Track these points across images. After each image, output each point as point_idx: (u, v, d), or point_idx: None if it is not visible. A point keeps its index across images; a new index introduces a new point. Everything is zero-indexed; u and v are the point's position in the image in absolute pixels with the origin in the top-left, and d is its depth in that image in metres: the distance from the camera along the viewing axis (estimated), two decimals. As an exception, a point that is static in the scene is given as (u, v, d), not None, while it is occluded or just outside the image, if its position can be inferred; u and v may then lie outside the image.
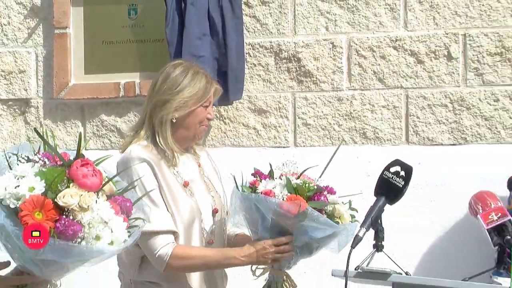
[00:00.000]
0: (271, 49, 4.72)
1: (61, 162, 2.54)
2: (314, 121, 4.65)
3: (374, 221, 3.18)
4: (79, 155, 2.53)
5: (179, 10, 4.57)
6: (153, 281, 3.56)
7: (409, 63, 4.52)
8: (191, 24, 4.55)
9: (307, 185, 3.38)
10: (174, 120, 3.57)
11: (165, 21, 4.58)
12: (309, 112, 4.67)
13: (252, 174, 3.52)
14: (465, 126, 4.47)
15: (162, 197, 3.51)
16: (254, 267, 3.54)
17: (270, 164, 3.46)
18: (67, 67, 4.85)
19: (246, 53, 4.66)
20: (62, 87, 4.84)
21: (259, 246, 3.42)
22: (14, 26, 4.97)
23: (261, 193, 3.42)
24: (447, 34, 4.47)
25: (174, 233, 3.51)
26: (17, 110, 4.98)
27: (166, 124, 3.58)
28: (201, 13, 4.56)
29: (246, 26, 4.69)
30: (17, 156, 2.62)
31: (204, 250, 3.53)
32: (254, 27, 4.73)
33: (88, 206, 2.35)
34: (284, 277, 3.54)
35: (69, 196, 2.39)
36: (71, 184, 2.46)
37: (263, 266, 3.53)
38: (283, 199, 3.31)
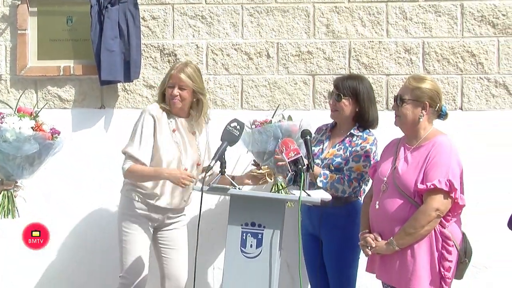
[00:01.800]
0: (158, 48, 5.39)
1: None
2: (185, 94, 5.26)
3: (220, 156, 4.10)
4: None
5: (100, 21, 5.22)
6: (143, 184, 4.53)
7: (244, 59, 5.34)
8: (107, 30, 5.21)
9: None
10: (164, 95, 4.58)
11: (90, 27, 5.23)
12: (181, 88, 5.29)
13: (253, 122, 4.61)
14: (277, 99, 5.34)
15: (154, 141, 4.45)
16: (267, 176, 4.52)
17: (283, 115, 4.69)
18: (26, 55, 5.41)
19: (142, 50, 5.32)
20: (22, 67, 5.43)
21: (178, 170, 4.42)
22: (-9, 28, 5.46)
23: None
24: (267, 42, 5.33)
25: (137, 160, 4.44)
26: (-8, 82, 5.46)
27: (161, 97, 4.63)
28: (113, 23, 5.22)
29: (143, 33, 5.34)
30: None
31: (143, 168, 4.46)
32: (148, 33, 5.40)
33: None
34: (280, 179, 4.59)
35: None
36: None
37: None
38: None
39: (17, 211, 4.05)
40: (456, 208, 4.07)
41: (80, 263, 5.40)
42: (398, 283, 4.06)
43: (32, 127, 3.96)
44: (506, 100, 5.32)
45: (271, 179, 4.65)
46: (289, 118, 4.75)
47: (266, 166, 4.71)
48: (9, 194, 3.99)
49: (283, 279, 4.59)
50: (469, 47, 5.30)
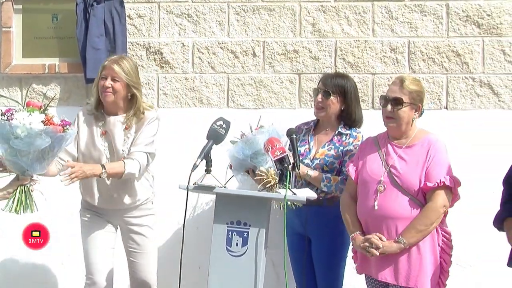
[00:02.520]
0: (144, 46, 5.43)
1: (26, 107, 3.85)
2: (170, 92, 5.40)
3: (205, 155, 4.09)
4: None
5: (85, 19, 5.26)
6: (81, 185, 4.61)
7: (230, 58, 5.37)
8: (93, 27, 5.24)
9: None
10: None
11: (76, 25, 5.27)
12: (167, 86, 5.40)
13: (241, 135, 4.40)
14: (263, 97, 5.38)
15: (78, 142, 4.45)
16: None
17: (274, 123, 4.44)
18: (10, 52, 5.44)
19: (128, 48, 5.34)
20: (7, 65, 5.45)
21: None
22: (-26, 26, 5.40)
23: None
24: (253, 41, 5.36)
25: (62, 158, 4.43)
26: (-24, 80, 5.42)
27: (95, 92, 4.49)
28: (99, 21, 5.26)
29: (128, 31, 5.37)
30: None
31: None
32: (133, 31, 5.43)
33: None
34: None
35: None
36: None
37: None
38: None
39: (35, 205, 4.02)
40: (452, 203, 4.17)
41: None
42: (406, 280, 4.09)
43: (42, 121, 3.89)
44: (490, 100, 5.37)
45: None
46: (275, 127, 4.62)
47: (272, 169, 4.47)
48: (25, 189, 3.97)
49: (268, 278, 4.61)
50: (454, 46, 5.36)
